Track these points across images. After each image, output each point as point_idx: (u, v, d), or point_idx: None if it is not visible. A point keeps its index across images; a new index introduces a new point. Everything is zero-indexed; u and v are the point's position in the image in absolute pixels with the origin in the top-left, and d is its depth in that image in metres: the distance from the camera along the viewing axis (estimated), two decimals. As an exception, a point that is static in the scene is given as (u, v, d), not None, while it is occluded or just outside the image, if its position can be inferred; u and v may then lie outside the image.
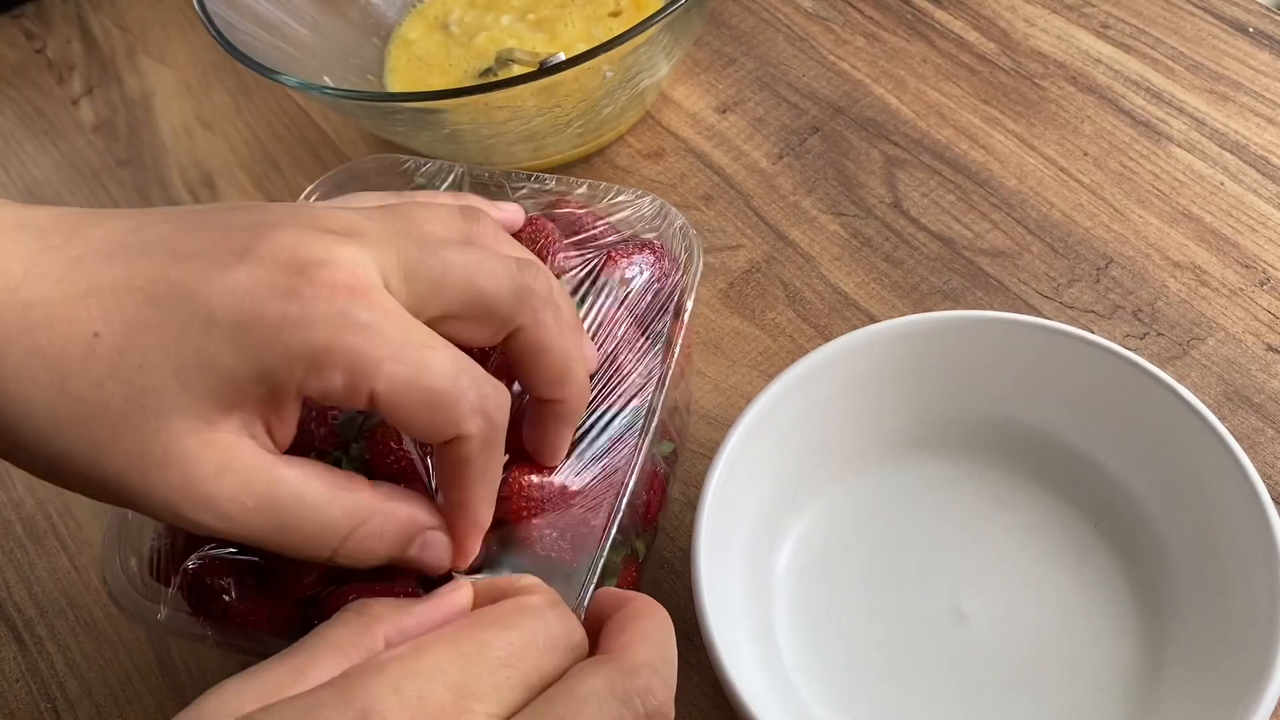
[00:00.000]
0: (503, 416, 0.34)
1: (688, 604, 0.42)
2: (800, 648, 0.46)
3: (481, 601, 0.32)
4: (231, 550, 0.38)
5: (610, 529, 0.39)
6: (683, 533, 0.50)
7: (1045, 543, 0.48)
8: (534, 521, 0.38)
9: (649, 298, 0.43)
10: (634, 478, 0.40)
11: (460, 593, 0.32)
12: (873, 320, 0.56)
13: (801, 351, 0.55)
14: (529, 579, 0.33)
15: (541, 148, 0.62)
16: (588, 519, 0.39)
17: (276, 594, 0.38)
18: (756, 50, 0.69)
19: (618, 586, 0.40)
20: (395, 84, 0.68)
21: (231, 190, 0.68)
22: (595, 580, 0.38)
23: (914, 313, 0.49)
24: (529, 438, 0.38)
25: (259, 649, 0.37)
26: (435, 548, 0.35)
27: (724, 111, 0.67)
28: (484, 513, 0.36)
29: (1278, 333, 0.54)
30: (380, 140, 0.69)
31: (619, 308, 0.42)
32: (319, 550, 0.33)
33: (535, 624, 0.30)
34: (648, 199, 0.46)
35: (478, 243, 0.37)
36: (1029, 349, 0.48)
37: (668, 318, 0.43)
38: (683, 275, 0.44)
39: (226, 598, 0.38)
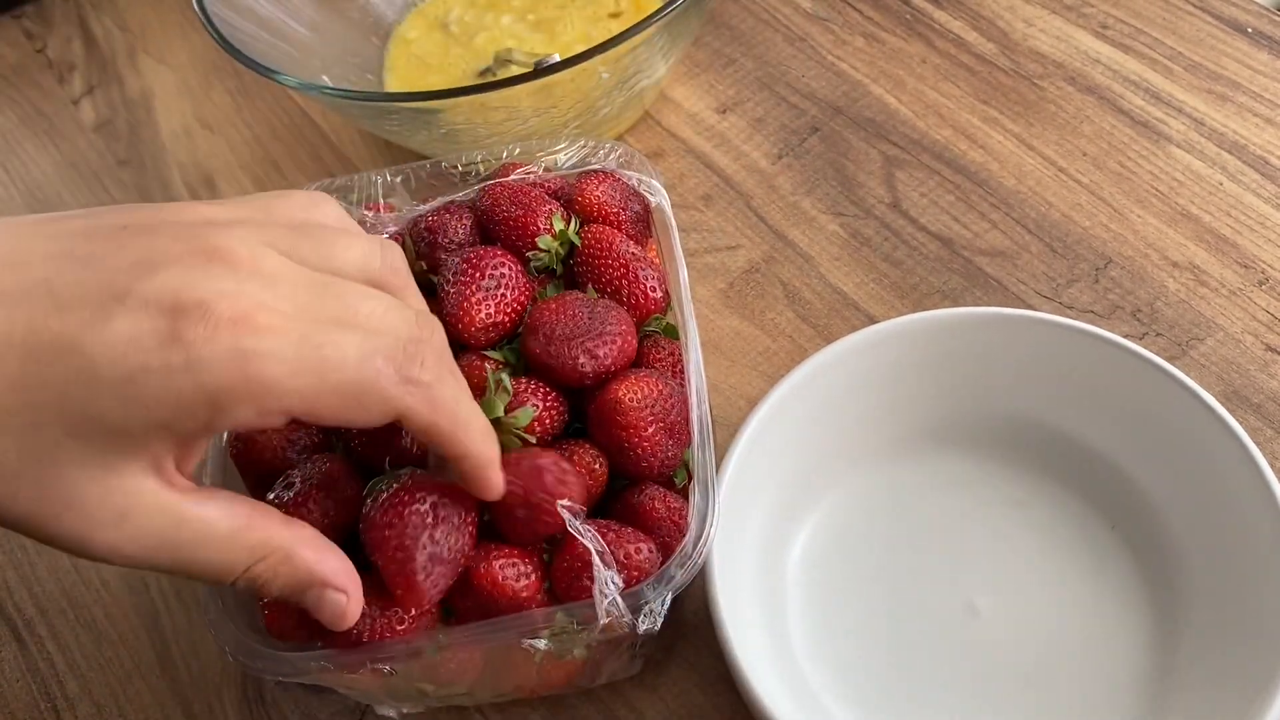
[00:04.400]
0: (437, 359, 0.34)
1: (700, 594, 0.42)
2: (811, 638, 0.46)
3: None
4: None
5: None
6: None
7: (1061, 542, 0.48)
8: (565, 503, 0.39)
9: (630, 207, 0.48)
10: None
11: None
12: (872, 320, 0.56)
13: (801, 352, 0.56)
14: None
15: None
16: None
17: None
18: (756, 51, 0.69)
19: None
20: (394, 83, 0.68)
21: (232, 190, 0.68)
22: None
23: (913, 313, 0.49)
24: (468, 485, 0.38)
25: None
26: (329, 606, 0.35)
27: (724, 112, 0.67)
28: (483, 448, 0.36)
29: (1277, 333, 0.54)
30: (380, 140, 0.69)
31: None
32: (218, 581, 0.34)
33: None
34: (578, 144, 0.50)
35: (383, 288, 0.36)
36: (1047, 346, 0.48)
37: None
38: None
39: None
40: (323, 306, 0.32)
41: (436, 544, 0.36)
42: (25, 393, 0.30)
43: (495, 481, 0.37)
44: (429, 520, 0.36)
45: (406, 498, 0.37)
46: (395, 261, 0.37)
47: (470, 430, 0.35)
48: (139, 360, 0.30)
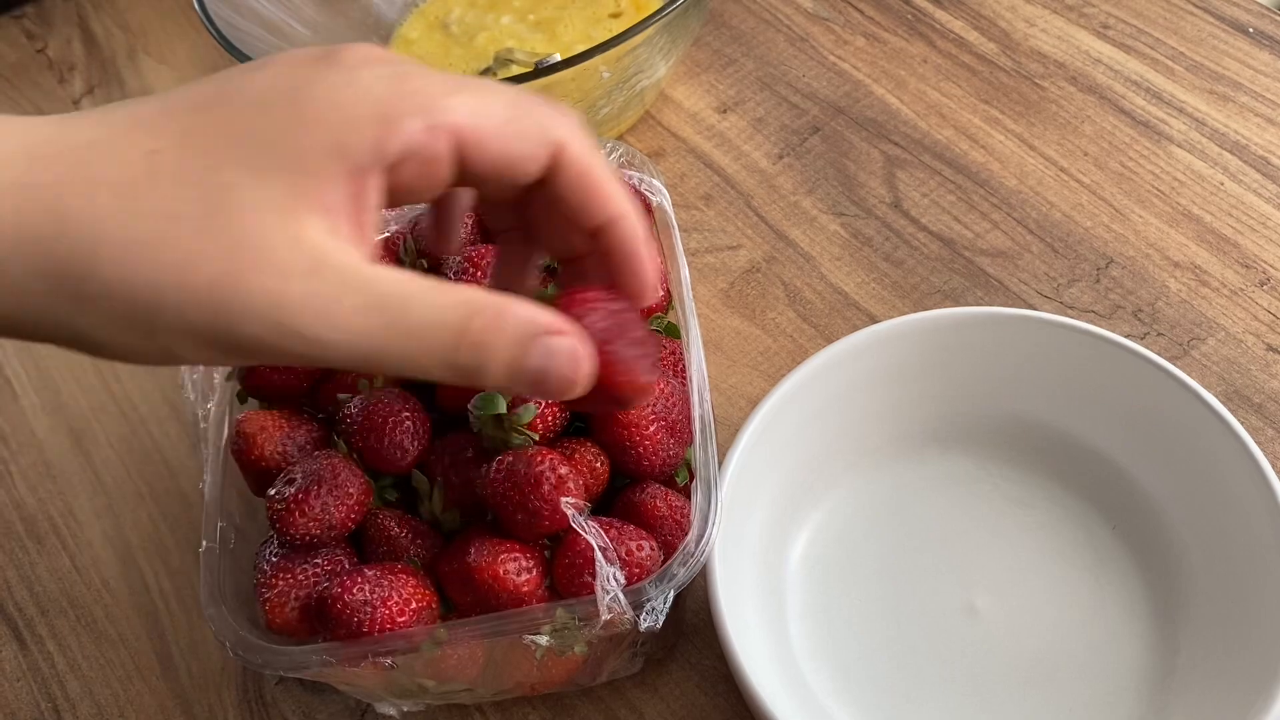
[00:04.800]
0: (575, 114, 0.33)
1: (701, 592, 0.42)
2: (811, 637, 0.46)
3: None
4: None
5: None
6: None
7: (1062, 542, 0.48)
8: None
9: None
10: None
11: None
12: (873, 320, 0.56)
13: (802, 351, 0.56)
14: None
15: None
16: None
17: None
18: (757, 50, 0.69)
19: None
20: (396, 84, 0.68)
21: (232, 190, 0.68)
22: None
23: (914, 312, 0.49)
24: (620, 284, 0.35)
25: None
26: (563, 355, 0.31)
27: (724, 111, 0.67)
28: (634, 210, 0.34)
29: (1278, 333, 0.54)
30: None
31: None
32: (438, 353, 0.30)
33: None
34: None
35: None
36: (1048, 346, 0.48)
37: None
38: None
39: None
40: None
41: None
42: (200, 139, 0.29)
43: (646, 258, 0.34)
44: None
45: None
46: None
47: (619, 188, 0.33)
48: (300, 80, 0.29)
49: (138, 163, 0.28)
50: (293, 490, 0.40)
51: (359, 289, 0.29)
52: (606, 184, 0.33)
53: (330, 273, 0.29)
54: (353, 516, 0.41)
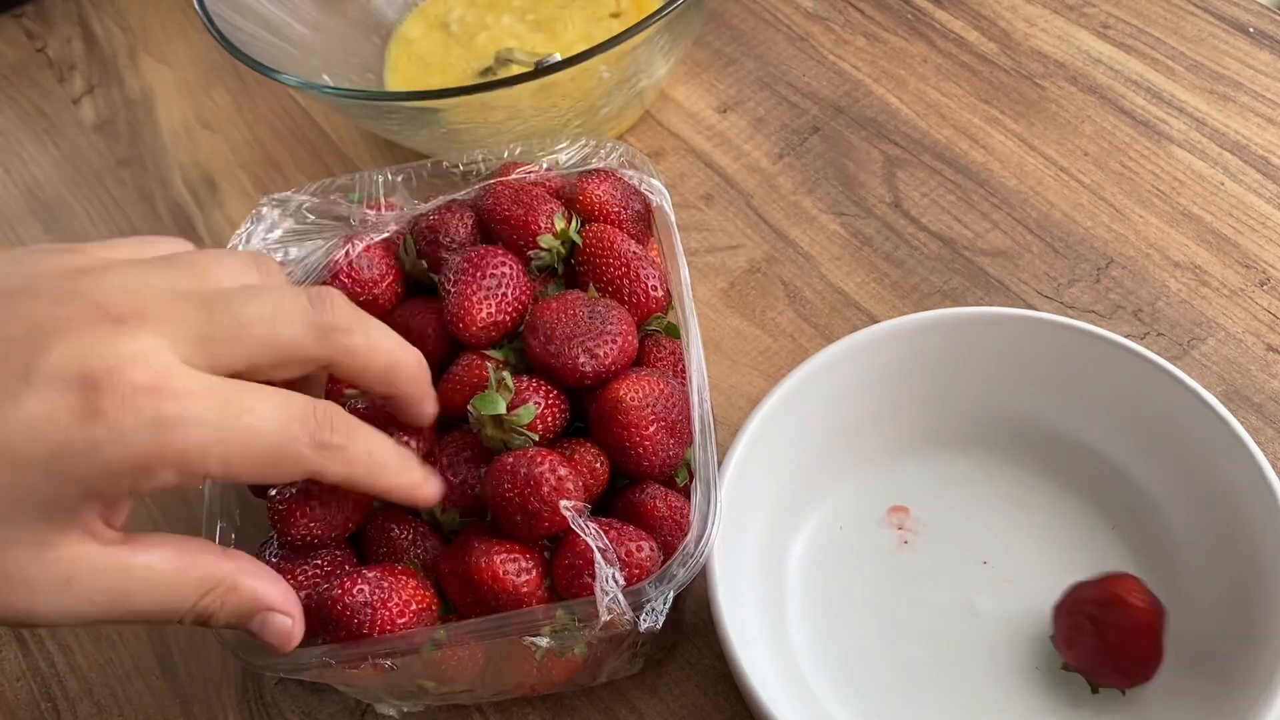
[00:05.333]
0: (345, 422, 0.35)
1: (701, 593, 0.42)
2: (811, 637, 0.46)
3: None
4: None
5: None
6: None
7: (1062, 543, 0.48)
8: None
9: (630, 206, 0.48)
10: None
11: None
12: (873, 320, 0.56)
13: (802, 351, 0.56)
14: None
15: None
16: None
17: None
18: (757, 50, 0.69)
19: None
20: (395, 83, 0.68)
21: (232, 190, 0.68)
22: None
23: (914, 312, 0.49)
24: (401, 419, 0.41)
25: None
26: (274, 629, 0.36)
27: (724, 111, 0.67)
28: (401, 479, 0.37)
29: (1278, 332, 0.54)
30: (380, 140, 0.69)
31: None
32: (167, 620, 0.34)
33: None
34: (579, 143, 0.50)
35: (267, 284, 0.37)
36: (1048, 346, 0.48)
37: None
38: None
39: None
40: (215, 326, 0.33)
41: None
42: None
43: (426, 495, 0.39)
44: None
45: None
46: (265, 263, 0.39)
47: (386, 473, 0.37)
48: (60, 437, 0.30)
49: None
50: (293, 491, 0.40)
51: (108, 588, 0.32)
52: (369, 483, 0.37)
53: (80, 583, 0.32)
54: (353, 518, 0.41)
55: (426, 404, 0.40)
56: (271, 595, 0.36)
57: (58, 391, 0.30)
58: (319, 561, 0.40)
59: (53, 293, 0.32)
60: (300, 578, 0.40)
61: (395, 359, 0.38)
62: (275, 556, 0.40)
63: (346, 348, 0.36)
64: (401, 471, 0.37)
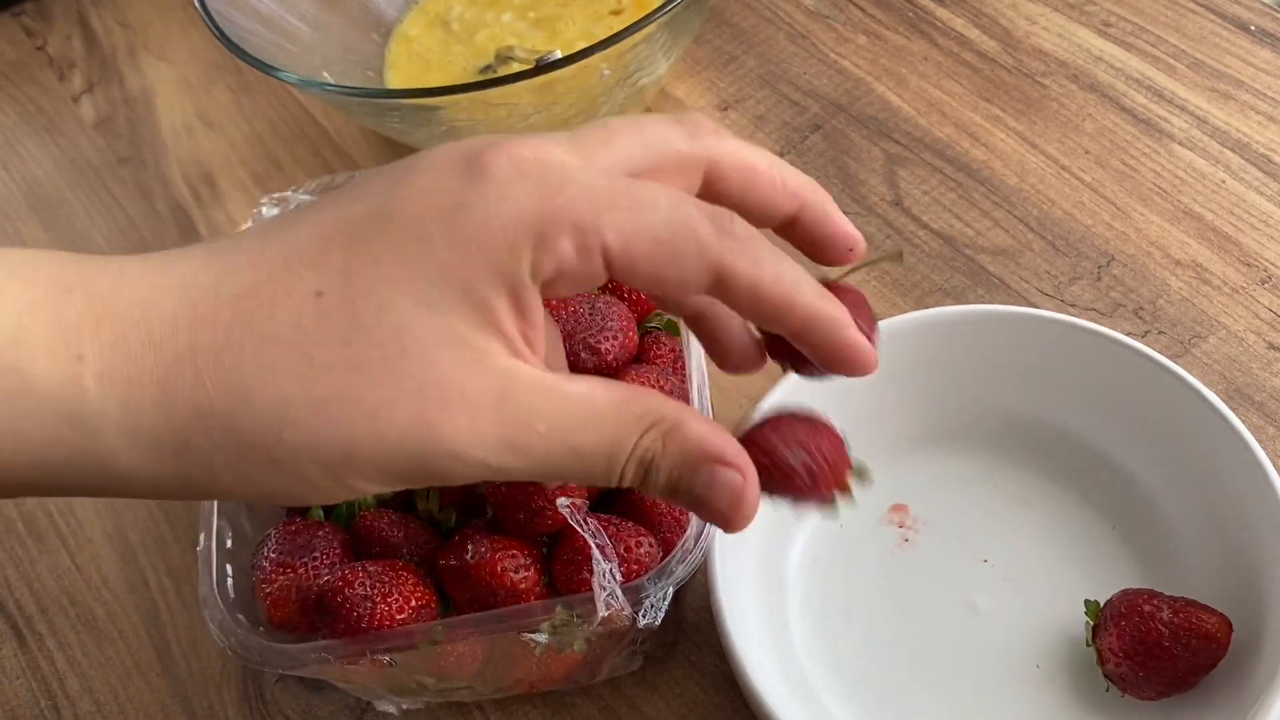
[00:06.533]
0: (744, 227, 0.30)
1: (701, 590, 0.42)
2: (811, 635, 0.46)
3: None
4: None
5: None
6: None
7: (1063, 542, 0.48)
8: None
9: None
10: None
11: None
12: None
13: (802, 349, 0.55)
14: None
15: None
16: None
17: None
18: (758, 48, 0.69)
19: None
20: (395, 80, 0.68)
21: (232, 188, 0.68)
22: None
23: (915, 310, 0.49)
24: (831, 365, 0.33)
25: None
26: (725, 485, 0.30)
27: (725, 109, 0.66)
28: (826, 305, 0.31)
29: (1279, 330, 0.54)
30: (381, 138, 0.69)
31: None
32: (606, 470, 0.29)
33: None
34: None
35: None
36: (1050, 344, 0.48)
37: None
38: None
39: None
40: (616, 195, 0.29)
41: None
42: (363, 275, 0.28)
43: (857, 342, 0.32)
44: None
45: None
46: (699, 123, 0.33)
47: (803, 289, 0.30)
48: (455, 201, 0.28)
49: (305, 311, 0.27)
50: None
51: (549, 414, 0.28)
52: (785, 299, 0.30)
53: (517, 401, 0.28)
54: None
55: (852, 331, 0.32)
56: (722, 443, 0.30)
57: (440, 169, 0.29)
58: (318, 556, 0.40)
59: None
60: (300, 573, 0.40)
61: (801, 278, 0.30)
62: (274, 553, 0.41)
63: (749, 253, 0.29)
64: (824, 298, 0.31)
